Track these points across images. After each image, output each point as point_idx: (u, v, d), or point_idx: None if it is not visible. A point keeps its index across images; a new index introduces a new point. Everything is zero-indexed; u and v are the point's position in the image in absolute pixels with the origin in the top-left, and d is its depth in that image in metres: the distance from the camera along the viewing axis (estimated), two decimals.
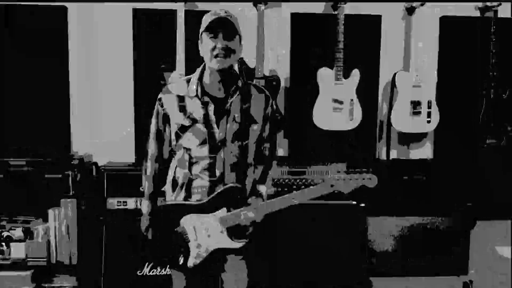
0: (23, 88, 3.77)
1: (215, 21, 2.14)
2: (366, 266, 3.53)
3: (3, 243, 3.41)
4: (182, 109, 2.25)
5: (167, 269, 3.38)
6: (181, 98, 2.26)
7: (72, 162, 3.53)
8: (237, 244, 2.33)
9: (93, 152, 3.84)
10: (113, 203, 3.44)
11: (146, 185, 2.44)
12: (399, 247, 3.56)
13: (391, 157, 4.02)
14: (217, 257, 2.37)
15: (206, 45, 2.18)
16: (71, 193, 3.45)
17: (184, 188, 2.33)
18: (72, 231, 3.44)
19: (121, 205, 3.44)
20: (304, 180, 3.54)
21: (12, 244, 3.40)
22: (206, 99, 2.25)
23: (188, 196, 2.32)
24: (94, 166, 3.71)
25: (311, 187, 2.28)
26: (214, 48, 2.15)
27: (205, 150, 2.25)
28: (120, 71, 3.85)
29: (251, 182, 2.37)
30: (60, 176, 3.46)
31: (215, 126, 2.24)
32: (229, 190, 2.28)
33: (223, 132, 2.24)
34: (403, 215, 3.56)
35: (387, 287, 3.53)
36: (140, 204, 2.47)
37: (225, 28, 2.15)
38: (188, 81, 2.30)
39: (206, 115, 2.23)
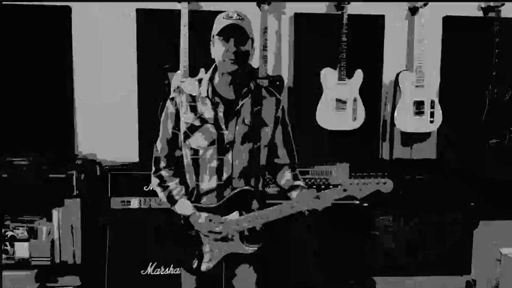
0: (27, 87, 3.77)
1: (227, 27, 2.14)
2: (369, 265, 3.54)
3: (7, 243, 3.41)
4: (193, 109, 2.24)
5: (175, 269, 3.40)
6: (192, 98, 2.26)
7: (76, 162, 3.54)
8: (249, 249, 2.31)
9: (97, 151, 3.85)
10: (117, 202, 3.45)
11: (175, 190, 2.33)
12: (403, 247, 3.56)
13: (394, 156, 4.03)
14: (230, 263, 2.35)
15: (218, 48, 2.18)
16: (75, 193, 3.44)
17: (194, 193, 2.32)
18: (76, 231, 3.44)
19: (125, 204, 3.45)
20: (307, 180, 3.54)
21: (16, 243, 3.41)
22: (217, 100, 2.24)
23: (197, 201, 2.31)
24: (98, 166, 3.72)
25: (326, 191, 2.22)
26: (225, 52, 2.15)
27: (213, 152, 2.23)
28: (124, 71, 3.85)
29: (286, 183, 2.37)
30: (64, 175, 3.45)
31: (224, 127, 2.22)
32: (241, 193, 2.26)
33: (232, 134, 2.22)
34: (405, 214, 3.56)
35: (390, 286, 3.53)
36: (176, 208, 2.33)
37: (236, 33, 2.15)
38: (200, 81, 2.29)
39: (216, 116, 2.22)
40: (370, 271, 3.54)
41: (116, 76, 3.86)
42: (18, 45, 3.74)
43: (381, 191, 2.18)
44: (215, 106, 2.23)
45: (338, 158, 3.56)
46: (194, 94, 2.26)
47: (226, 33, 2.14)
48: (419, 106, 3.81)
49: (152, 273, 3.42)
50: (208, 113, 2.23)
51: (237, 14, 2.17)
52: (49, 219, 3.48)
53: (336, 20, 3.72)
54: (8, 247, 3.41)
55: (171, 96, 2.31)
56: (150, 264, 3.43)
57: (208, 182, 2.26)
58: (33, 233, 3.45)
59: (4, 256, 3.39)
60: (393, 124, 3.90)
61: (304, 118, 3.87)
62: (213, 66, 2.28)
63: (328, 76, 3.75)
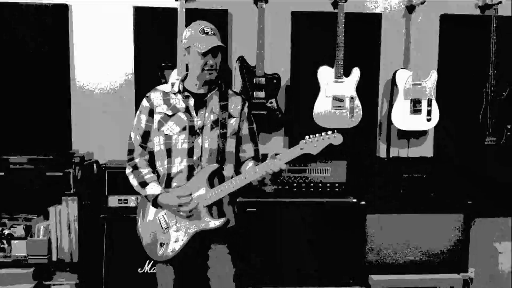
0: (24, 86, 3.77)
1: (213, 49, 2.41)
2: (365, 264, 3.54)
3: (4, 241, 3.41)
4: (166, 102, 2.53)
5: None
6: (166, 94, 2.55)
7: (73, 160, 3.53)
8: (217, 223, 2.43)
9: (94, 150, 3.85)
10: (114, 200, 3.45)
11: (147, 175, 2.54)
12: (399, 245, 3.57)
13: (391, 155, 4.03)
14: (201, 246, 2.50)
15: (196, 60, 2.45)
16: (72, 191, 3.45)
17: (165, 178, 2.52)
18: (73, 229, 3.44)
19: (122, 203, 3.45)
20: (304, 178, 3.55)
21: (13, 241, 3.39)
22: (187, 94, 2.53)
23: (167, 185, 2.51)
24: (95, 164, 3.72)
25: (284, 153, 2.46)
26: (205, 64, 2.44)
27: (185, 136, 2.47)
28: (121, 70, 3.87)
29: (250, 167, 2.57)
30: (61, 174, 3.46)
31: (194, 114, 2.50)
32: (206, 170, 2.45)
33: (201, 121, 2.49)
34: (403, 212, 3.57)
35: (386, 284, 3.53)
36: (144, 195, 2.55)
37: (216, 50, 2.45)
38: (173, 84, 2.59)
39: (187, 106, 2.50)
40: (366, 269, 3.54)
41: (114, 75, 3.87)
42: (17, 43, 3.75)
43: (333, 144, 2.43)
44: (186, 98, 2.52)
45: (335, 156, 3.56)
46: (167, 91, 2.56)
47: (210, 52, 2.43)
48: (416, 104, 3.82)
49: (149, 271, 3.42)
50: (180, 104, 2.52)
51: (211, 28, 2.46)
52: (46, 217, 3.48)
53: (333, 18, 3.72)
54: (5, 245, 3.41)
55: (147, 95, 2.59)
56: (148, 262, 3.43)
57: (179, 164, 2.48)
58: (30, 231, 3.44)
59: (1, 254, 3.39)
60: (390, 122, 3.90)
61: (301, 116, 3.87)
62: (185, 73, 2.58)
63: (325, 74, 3.74)
